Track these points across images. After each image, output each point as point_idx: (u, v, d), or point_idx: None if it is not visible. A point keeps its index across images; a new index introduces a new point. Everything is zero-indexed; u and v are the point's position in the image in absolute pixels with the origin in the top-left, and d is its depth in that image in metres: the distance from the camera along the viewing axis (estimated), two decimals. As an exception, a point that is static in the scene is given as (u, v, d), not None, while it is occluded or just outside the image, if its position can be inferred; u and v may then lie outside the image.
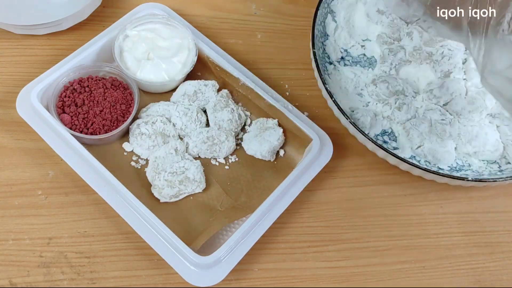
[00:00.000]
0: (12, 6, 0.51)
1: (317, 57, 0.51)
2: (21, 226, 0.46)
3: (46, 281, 0.44)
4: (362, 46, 0.57)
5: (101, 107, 0.48)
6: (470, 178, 0.47)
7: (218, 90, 0.53)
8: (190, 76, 0.54)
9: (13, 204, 0.47)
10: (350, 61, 0.56)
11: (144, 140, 0.48)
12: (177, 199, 0.47)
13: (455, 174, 0.49)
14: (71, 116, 0.48)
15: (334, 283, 0.46)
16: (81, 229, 0.46)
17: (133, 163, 0.49)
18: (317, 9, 0.54)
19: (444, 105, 0.52)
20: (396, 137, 0.52)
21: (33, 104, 0.47)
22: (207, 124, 0.52)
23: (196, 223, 0.47)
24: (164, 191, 0.46)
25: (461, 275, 0.48)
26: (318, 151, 0.48)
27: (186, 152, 0.49)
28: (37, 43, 0.56)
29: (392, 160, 0.49)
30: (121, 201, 0.45)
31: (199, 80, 0.53)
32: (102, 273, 0.44)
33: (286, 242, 0.48)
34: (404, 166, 0.49)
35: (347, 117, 0.48)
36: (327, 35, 0.57)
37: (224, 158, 0.50)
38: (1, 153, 0.49)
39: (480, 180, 0.47)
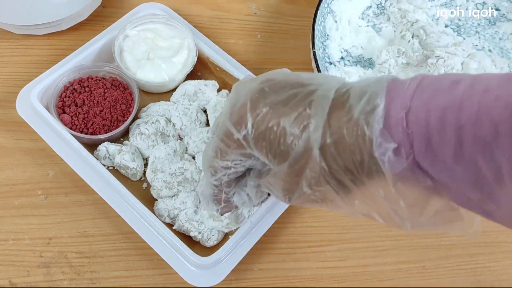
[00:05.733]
0: (12, 6, 0.51)
1: (317, 57, 0.51)
2: (21, 226, 0.46)
3: (46, 281, 0.44)
4: (362, 47, 0.57)
5: (101, 107, 0.48)
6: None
7: (218, 90, 0.53)
8: (190, 76, 0.54)
9: (13, 204, 0.47)
10: (350, 61, 0.56)
11: (144, 140, 0.48)
12: (176, 199, 0.47)
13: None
14: (71, 116, 0.48)
15: (334, 283, 0.46)
16: (81, 229, 0.46)
17: (133, 163, 0.49)
18: (317, 9, 0.54)
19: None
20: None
21: (33, 104, 0.47)
22: (207, 124, 0.52)
23: (196, 223, 0.47)
24: (162, 192, 0.46)
25: (461, 275, 0.48)
26: (318, 151, 0.48)
27: (186, 152, 0.49)
28: (37, 43, 0.56)
29: (392, 160, 0.49)
30: (121, 201, 0.45)
31: (199, 80, 0.53)
32: (102, 273, 0.44)
33: (286, 242, 0.48)
34: (404, 166, 0.48)
35: (347, 117, 0.48)
36: (327, 35, 0.57)
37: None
38: (1, 153, 0.49)
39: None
